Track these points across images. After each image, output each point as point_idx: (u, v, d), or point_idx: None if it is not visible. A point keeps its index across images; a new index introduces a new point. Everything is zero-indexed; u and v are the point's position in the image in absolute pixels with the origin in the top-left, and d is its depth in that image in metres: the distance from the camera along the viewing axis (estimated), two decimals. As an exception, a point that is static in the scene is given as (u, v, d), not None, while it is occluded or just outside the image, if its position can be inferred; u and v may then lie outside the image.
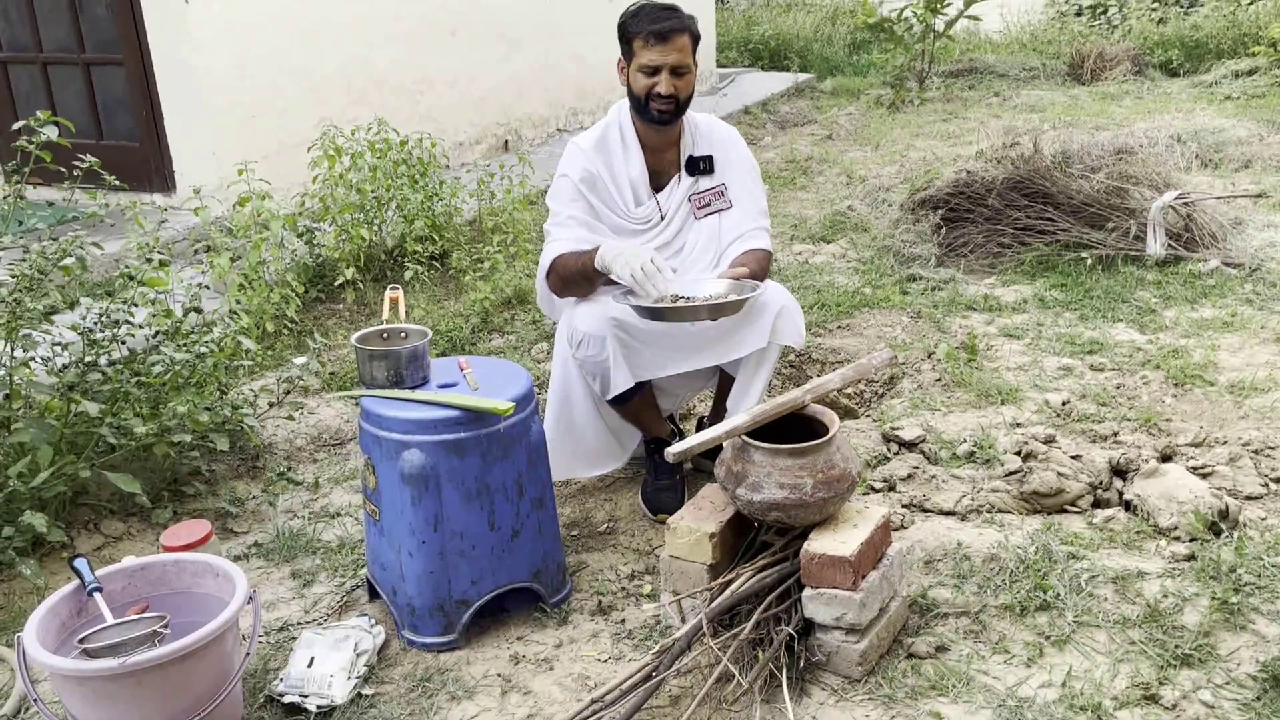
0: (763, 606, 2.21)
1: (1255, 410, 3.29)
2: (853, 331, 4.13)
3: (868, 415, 3.54)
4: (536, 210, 5.61)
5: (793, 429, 2.40)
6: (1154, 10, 12.31)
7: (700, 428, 3.09)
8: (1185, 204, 4.75)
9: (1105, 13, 12.86)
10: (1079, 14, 13.07)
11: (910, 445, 3.21)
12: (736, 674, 2.09)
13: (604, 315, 2.65)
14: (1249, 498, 2.80)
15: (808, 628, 2.25)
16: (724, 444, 2.37)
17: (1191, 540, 2.60)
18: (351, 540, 2.87)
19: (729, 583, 2.28)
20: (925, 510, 2.86)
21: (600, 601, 2.54)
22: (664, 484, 2.90)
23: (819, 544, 2.22)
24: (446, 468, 2.31)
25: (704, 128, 2.89)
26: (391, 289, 2.69)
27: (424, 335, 2.49)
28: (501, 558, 2.41)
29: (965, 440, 3.21)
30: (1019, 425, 3.30)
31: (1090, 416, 3.32)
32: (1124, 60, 10.58)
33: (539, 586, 2.48)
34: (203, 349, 2.91)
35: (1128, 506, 2.80)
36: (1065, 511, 2.81)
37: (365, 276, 4.71)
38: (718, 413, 3.01)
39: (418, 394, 2.38)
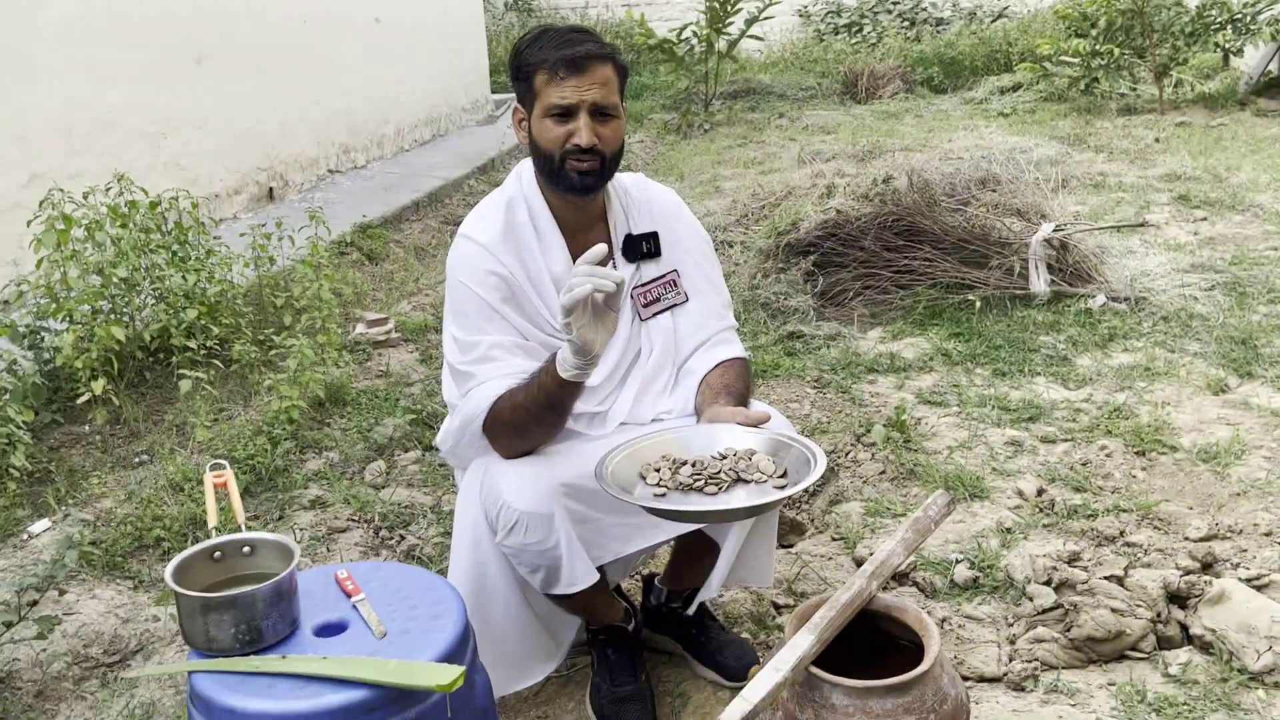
0: None
1: (1250, 485, 2.88)
2: (761, 414, 3.45)
3: (817, 529, 2.87)
4: (331, 275, 4.60)
5: (850, 636, 1.67)
6: (908, 30, 12.60)
7: (650, 589, 2.30)
8: (1062, 235, 4.43)
9: (861, 31, 13.06)
10: (836, 32, 13.21)
11: (898, 576, 2.56)
12: None
13: (549, 484, 1.81)
14: (1314, 610, 2.33)
15: None
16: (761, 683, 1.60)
17: (1298, 688, 2.09)
18: None
19: None
20: (964, 679, 2.20)
21: None
22: (625, 690, 2.09)
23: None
24: (358, 786, 1.41)
25: (637, 194, 2.11)
26: (214, 471, 1.73)
27: (288, 554, 1.57)
28: None
29: (957, 559, 2.60)
30: (1008, 530, 2.73)
31: (1078, 510, 2.80)
32: (894, 79, 10.67)
33: None
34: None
35: (1190, 639, 2.27)
36: (1126, 658, 2.24)
37: (119, 385, 3.56)
38: (678, 574, 2.24)
39: (294, 663, 1.46)
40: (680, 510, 1.68)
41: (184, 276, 3.73)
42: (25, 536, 2.79)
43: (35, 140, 4.51)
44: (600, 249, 1.67)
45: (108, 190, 3.84)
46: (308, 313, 3.88)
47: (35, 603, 2.21)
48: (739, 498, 1.72)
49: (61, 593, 2.37)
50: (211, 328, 3.70)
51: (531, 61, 1.93)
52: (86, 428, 3.51)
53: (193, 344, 3.59)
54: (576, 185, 1.93)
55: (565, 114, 1.90)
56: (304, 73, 6.52)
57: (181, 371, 3.38)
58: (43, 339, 3.45)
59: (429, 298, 4.95)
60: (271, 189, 6.16)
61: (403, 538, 2.87)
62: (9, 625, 2.19)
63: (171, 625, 2.48)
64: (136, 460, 3.31)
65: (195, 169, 5.43)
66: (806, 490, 1.67)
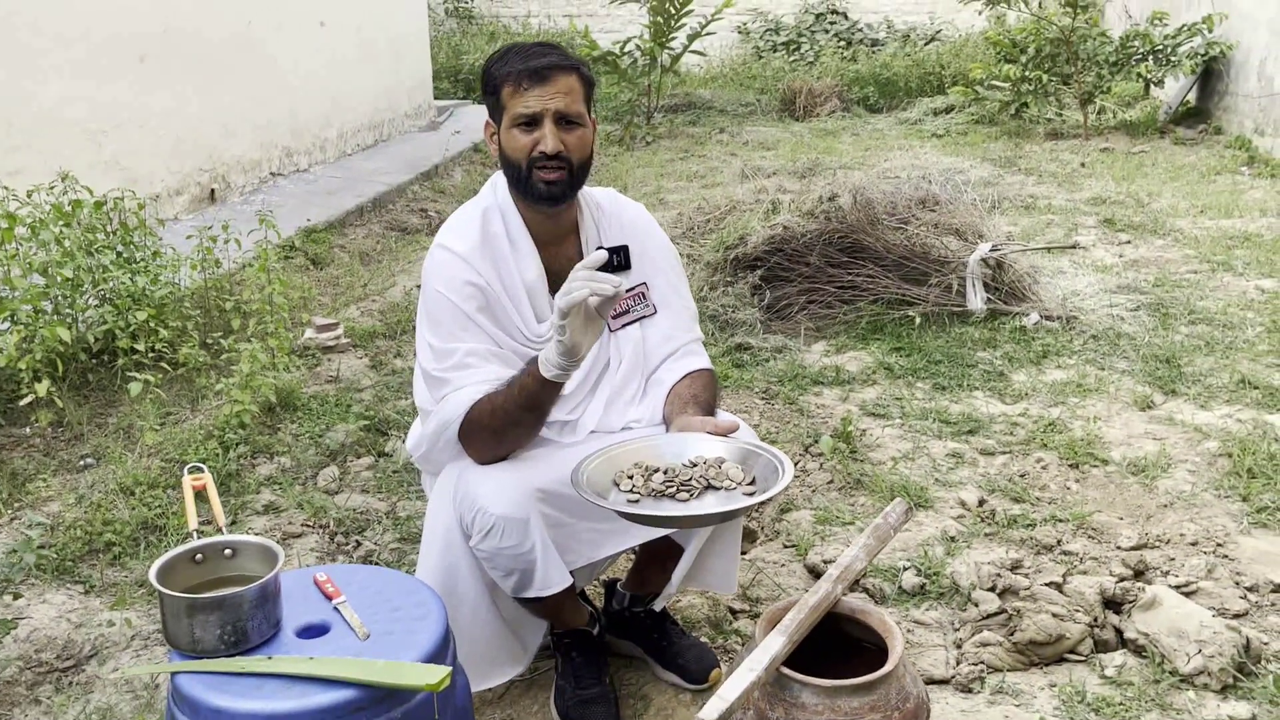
0: None
1: (1176, 497, 3.03)
2: (712, 424, 3.53)
3: (768, 537, 2.95)
4: (283, 280, 4.57)
5: (815, 639, 1.74)
6: (844, 49, 12.86)
7: (613, 594, 2.35)
8: (998, 255, 4.60)
9: (799, 49, 13.29)
10: (774, 50, 13.43)
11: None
12: None
13: (525, 488, 1.86)
14: (1236, 615, 2.48)
15: None
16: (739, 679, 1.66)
17: (1224, 688, 2.22)
18: None
19: None
20: (914, 681, 2.29)
21: None
22: (590, 693, 2.13)
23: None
24: (344, 785, 1.43)
25: (608, 208, 2.17)
26: (193, 473, 1.74)
27: (269, 556, 1.59)
28: None
29: (904, 566, 2.70)
30: (953, 539, 2.84)
31: (1018, 519, 2.93)
32: (831, 97, 10.89)
33: None
34: None
35: (1125, 643, 2.39)
36: (1065, 660, 2.35)
37: (62, 387, 3.50)
38: (641, 579, 2.29)
39: (281, 663, 1.48)
40: (654, 515, 1.74)
41: (132, 278, 3.69)
42: (-31, 540, 2.74)
43: (-28, 135, 4.41)
44: (600, 255, 1.72)
45: (51, 189, 3.77)
46: (256, 316, 3.85)
47: (-11, 607, 2.18)
48: (709, 504, 1.78)
49: (16, 596, 2.34)
50: (159, 330, 3.66)
51: (498, 75, 1.99)
52: (28, 430, 3.44)
53: (140, 346, 3.54)
54: (544, 195, 1.98)
55: (530, 123, 1.95)
56: (248, 74, 6.44)
57: (130, 374, 3.33)
58: (-16, 339, 3.38)
59: (376, 303, 4.94)
60: (213, 190, 6.08)
61: (359, 543, 2.88)
62: (-39, 630, 2.15)
63: (126, 630, 2.46)
64: (81, 463, 3.25)
65: (137, 168, 5.34)
66: (774, 498, 1.73)
